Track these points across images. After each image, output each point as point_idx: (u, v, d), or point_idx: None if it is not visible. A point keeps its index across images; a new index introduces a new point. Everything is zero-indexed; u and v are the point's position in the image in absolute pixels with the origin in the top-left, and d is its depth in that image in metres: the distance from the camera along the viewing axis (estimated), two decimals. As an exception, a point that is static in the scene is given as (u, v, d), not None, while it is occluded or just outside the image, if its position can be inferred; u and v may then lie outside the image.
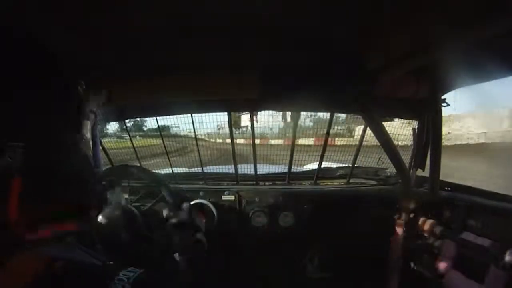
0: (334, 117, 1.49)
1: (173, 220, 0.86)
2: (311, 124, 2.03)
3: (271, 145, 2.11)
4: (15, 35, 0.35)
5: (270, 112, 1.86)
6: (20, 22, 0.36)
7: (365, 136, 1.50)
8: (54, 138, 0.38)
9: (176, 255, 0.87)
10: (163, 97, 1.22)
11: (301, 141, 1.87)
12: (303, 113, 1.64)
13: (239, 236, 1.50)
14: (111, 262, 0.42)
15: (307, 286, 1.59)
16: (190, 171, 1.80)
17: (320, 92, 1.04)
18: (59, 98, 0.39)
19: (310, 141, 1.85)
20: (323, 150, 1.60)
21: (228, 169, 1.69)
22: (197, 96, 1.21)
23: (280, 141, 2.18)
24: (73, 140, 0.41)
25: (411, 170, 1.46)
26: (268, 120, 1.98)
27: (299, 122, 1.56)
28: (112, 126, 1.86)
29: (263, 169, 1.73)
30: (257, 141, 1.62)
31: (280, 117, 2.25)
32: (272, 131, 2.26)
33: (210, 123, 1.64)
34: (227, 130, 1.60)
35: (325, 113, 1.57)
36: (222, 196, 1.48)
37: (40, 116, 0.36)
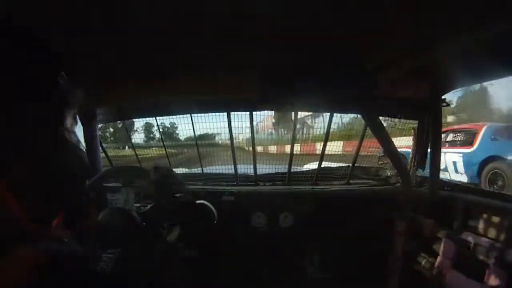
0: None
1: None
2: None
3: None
4: (14, 34, 0.35)
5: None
6: (20, 21, 0.36)
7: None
8: (39, 130, 0.38)
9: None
10: (163, 97, 1.22)
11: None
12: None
13: (239, 236, 1.50)
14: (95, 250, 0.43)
15: (307, 286, 1.58)
16: (190, 172, 1.80)
17: (320, 92, 1.04)
18: (40, 89, 0.38)
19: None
20: (323, 150, 1.60)
21: (228, 169, 1.69)
22: (197, 96, 1.21)
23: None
24: (59, 131, 0.40)
25: (411, 170, 1.46)
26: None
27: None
28: (112, 127, 1.86)
29: (262, 169, 1.73)
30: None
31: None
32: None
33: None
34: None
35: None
36: (222, 197, 1.48)
37: (24, 109, 0.36)
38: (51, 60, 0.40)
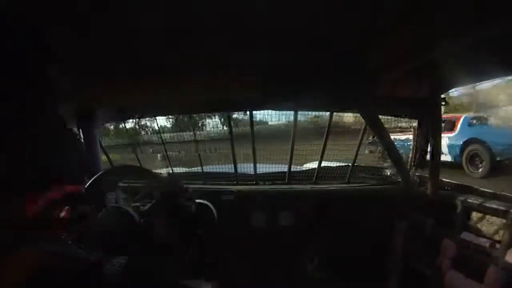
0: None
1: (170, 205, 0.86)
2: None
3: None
4: (14, 34, 0.35)
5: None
6: (21, 21, 0.36)
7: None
8: (27, 115, 0.38)
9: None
10: (163, 97, 1.22)
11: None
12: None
13: (239, 235, 1.50)
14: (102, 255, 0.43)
15: (307, 286, 1.58)
16: (190, 171, 1.80)
17: (320, 92, 1.04)
18: (26, 76, 0.39)
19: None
20: (323, 149, 1.60)
21: (228, 168, 1.69)
22: (197, 96, 1.21)
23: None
24: (48, 117, 0.40)
25: (411, 170, 1.46)
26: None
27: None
28: (112, 127, 1.86)
29: (262, 169, 1.73)
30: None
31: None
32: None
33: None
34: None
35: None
36: (222, 196, 1.48)
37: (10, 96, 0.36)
38: (37, 49, 0.40)
